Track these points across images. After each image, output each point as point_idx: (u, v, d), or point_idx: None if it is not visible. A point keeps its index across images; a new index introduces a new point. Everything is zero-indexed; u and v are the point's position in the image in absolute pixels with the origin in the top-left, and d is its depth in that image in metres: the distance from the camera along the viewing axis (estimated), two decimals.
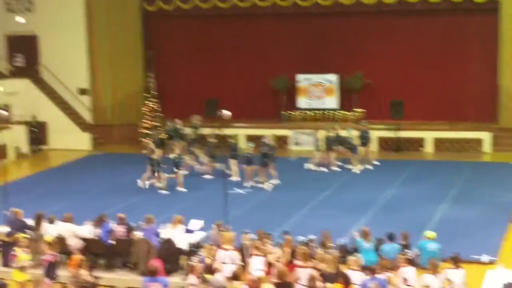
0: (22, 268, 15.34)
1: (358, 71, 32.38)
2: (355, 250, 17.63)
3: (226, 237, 17.05)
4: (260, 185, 25.53)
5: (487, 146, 30.45)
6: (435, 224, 20.72)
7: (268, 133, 31.18)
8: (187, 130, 29.42)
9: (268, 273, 16.55)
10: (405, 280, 16.24)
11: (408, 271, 16.31)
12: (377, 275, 14.96)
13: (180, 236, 17.63)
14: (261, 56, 34.07)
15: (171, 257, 17.19)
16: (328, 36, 33.10)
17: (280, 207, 23.08)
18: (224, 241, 16.96)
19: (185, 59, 35.04)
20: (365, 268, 15.81)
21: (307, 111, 32.94)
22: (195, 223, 18.58)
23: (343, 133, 28.24)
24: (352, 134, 28.05)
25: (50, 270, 15.87)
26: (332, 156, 27.80)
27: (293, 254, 16.69)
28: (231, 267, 16.28)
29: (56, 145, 33.90)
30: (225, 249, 16.83)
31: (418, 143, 31.18)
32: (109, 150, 33.30)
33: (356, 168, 27.45)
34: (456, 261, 16.25)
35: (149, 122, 32.58)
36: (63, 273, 17.05)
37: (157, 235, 17.50)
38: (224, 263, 16.64)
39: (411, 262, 16.46)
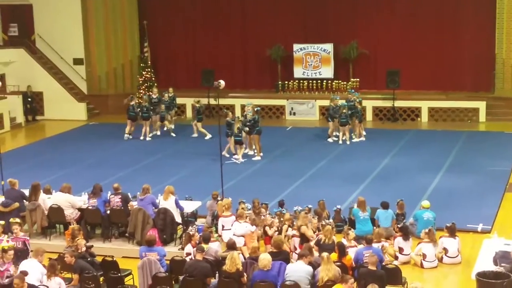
0: None
1: (353, 40, 32.27)
2: (351, 220, 17.73)
3: (225, 204, 17.13)
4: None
5: (482, 116, 30.43)
6: (431, 194, 20.78)
7: (261, 103, 31.28)
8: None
9: (266, 242, 16.68)
10: (400, 249, 16.36)
11: (403, 241, 16.43)
12: (373, 245, 15.03)
13: (172, 207, 17.58)
14: (257, 26, 33.90)
15: (168, 227, 17.23)
16: (324, 5, 32.92)
17: (276, 177, 23.11)
18: (224, 208, 17.07)
19: (180, 29, 34.87)
20: (361, 238, 15.91)
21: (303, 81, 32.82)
22: (191, 204, 18.62)
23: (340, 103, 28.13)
24: (339, 103, 27.73)
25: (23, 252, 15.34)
26: (331, 127, 27.69)
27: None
28: (231, 233, 16.47)
29: (52, 115, 33.79)
30: (225, 216, 16.95)
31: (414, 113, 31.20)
32: (105, 120, 33.24)
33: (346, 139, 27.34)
34: (452, 230, 16.35)
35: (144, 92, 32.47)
36: (60, 243, 17.17)
37: (154, 204, 17.51)
38: (225, 229, 16.82)
39: (407, 231, 16.54)
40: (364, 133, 27.90)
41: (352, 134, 27.60)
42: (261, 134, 25.46)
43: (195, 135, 28.78)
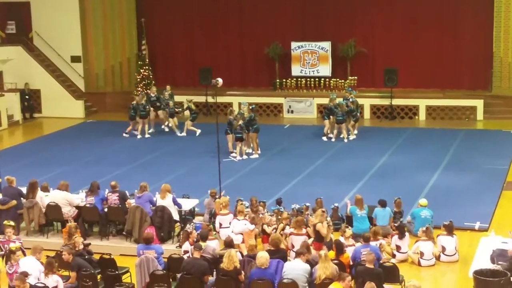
0: None
1: (351, 39, 32.27)
2: (349, 217, 17.74)
3: (222, 202, 17.13)
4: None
5: (480, 114, 30.44)
6: (428, 192, 20.79)
7: (259, 101, 31.40)
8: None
9: (264, 241, 16.70)
10: (398, 247, 16.37)
11: (399, 239, 16.44)
12: (370, 243, 15.04)
13: (170, 205, 17.58)
14: (255, 24, 33.88)
15: (165, 225, 17.24)
16: (322, 3, 32.91)
17: (273, 175, 23.10)
18: (221, 206, 17.07)
19: (178, 27, 34.84)
20: (358, 236, 15.91)
21: (301, 79, 32.79)
22: (189, 202, 18.60)
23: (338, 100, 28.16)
24: (337, 101, 27.74)
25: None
26: (327, 125, 27.70)
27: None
28: (229, 231, 16.46)
29: (49, 113, 33.77)
30: (223, 214, 16.96)
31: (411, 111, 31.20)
32: (102, 118, 33.22)
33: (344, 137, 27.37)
34: (449, 228, 16.37)
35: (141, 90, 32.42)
36: (57, 241, 17.16)
37: (152, 202, 17.51)
38: (222, 227, 16.82)
39: (403, 229, 16.53)
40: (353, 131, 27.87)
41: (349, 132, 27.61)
42: (259, 132, 25.46)
43: (184, 134, 28.71)
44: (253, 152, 25.48)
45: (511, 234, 15.35)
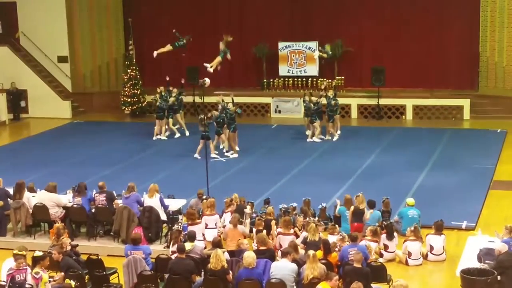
0: None
1: (338, 39, 32.29)
2: (337, 218, 17.76)
3: (208, 203, 17.13)
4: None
5: (466, 113, 30.54)
6: (416, 191, 20.84)
7: (246, 100, 31.39)
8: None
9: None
10: (385, 246, 16.41)
11: (388, 240, 16.47)
12: (358, 243, 15.07)
13: (157, 205, 17.54)
14: (242, 24, 33.86)
15: (153, 225, 17.21)
16: (309, 3, 32.94)
17: (261, 175, 23.11)
18: (207, 207, 17.07)
19: (165, 26, 34.67)
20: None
21: (288, 79, 32.81)
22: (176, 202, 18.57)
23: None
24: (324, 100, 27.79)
25: None
26: (316, 125, 27.70)
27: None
28: (215, 231, 16.45)
29: (36, 113, 33.67)
30: (209, 215, 16.95)
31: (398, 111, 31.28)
32: (90, 118, 33.14)
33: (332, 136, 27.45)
34: (439, 227, 16.41)
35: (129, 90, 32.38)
36: (44, 242, 17.11)
37: (139, 203, 17.47)
38: (208, 228, 16.81)
39: (391, 229, 16.56)
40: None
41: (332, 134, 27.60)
42: (236, 131, 25.51)
43: (178, 134, 28.74)
44: (232, 151, 25.38)
45: (497, 234, 15.43)
